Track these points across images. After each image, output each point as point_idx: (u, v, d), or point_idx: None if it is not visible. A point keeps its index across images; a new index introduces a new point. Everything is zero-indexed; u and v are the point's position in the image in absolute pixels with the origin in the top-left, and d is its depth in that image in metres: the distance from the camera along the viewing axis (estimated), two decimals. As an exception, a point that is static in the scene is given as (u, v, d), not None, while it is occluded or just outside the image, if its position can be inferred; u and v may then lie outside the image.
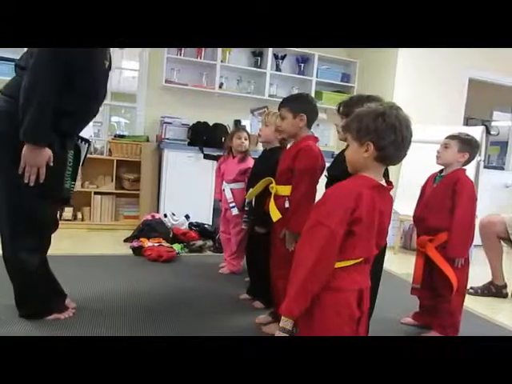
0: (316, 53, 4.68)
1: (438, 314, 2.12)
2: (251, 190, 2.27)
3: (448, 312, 2.08)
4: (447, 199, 2.08)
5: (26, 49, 1.76)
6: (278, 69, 4.72)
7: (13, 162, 1.69)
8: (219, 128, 4.32)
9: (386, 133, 1.25)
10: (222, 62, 4.43)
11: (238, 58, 4.64)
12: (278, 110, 2.07)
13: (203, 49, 4.44)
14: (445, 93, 4.50)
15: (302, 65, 4.83)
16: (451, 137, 2.17)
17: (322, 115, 4.98)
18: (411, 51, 4.30)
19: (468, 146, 2.14)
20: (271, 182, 2.03)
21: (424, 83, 4.41)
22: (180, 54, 4.36)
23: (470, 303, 2.76)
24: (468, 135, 2.17)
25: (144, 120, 4.53)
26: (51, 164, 1.73)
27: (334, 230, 1.20)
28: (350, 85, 4.93)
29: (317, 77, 4.77)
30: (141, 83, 4.50)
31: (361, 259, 1.29)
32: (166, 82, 4.32)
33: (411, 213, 2.32)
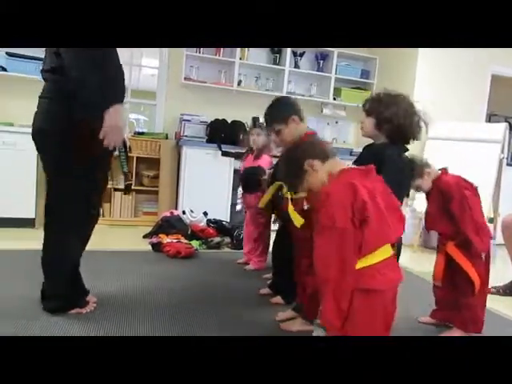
0: (335, 49, 4.64)
1: (458, 309, 2.10)
2: (264, 196, 2.28)
3: (467, 307, 2.05)
4: (442, 204, 2.04)
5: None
6: (296, 66, 4.70)
7: (61, 155, 1.78)
8: (237, 125, 4.33)
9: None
10: (240, 59, 4.44)
11: (256, 55, 4.64)
12: (267, 126, 2.16)
13: (222, 46, 4.45)
14: (467, 89, 4.42)
15: (321, 61, 4.80)
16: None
17: (340, 112, 4.95)
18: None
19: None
20: (282, 186, 2.02)
21: (445, 79, 4.34)
22: (199, 52, 4.37)
23: (493, 303, 2.70)
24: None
25: (163, 117, 4.57)
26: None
27: (343, 227, 1.20)
28: (369, 81, 4.88)
29: (336, 73, 4.73)
30: (160, 81, 4.53)
31: (388, 250, 1.29)
32: (185, 79, 4.34)
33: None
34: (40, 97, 1.85)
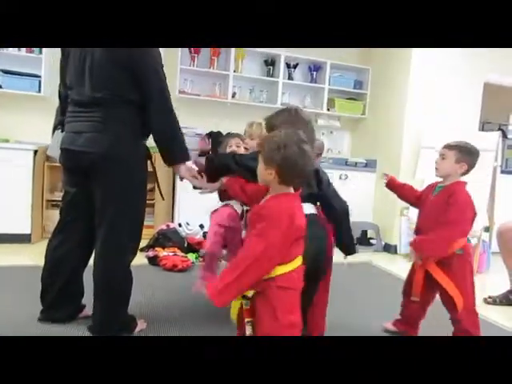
0: (328, 60, 4.68)
1: (454, 328, 2.07)
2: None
3: (464, 331, 2.01)
4: (442, 213, 1.99)
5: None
6: (290, 77, 4.74)
7: (129, 182, 1.99)
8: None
9: (286, 164, 1.37)
10: (234, 71, 4.46)
11: (250, 67, 4.67)
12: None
13: (216, 59, 4.48)
14: (460, 98, 4.44)
15: (315, 73, 4.84)
16: (448, 147, 2.08)
17: (335, 123, 4.98)
18: (425, 56, 4.27)
19: (467, 155, 2.03)
20: None
21: (438, 88, 4.36)
22: (193, 65, 4.40)
23: (489, 313, 2.70)
24: (467, 143, 2.08)
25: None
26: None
27: (272, 244, 1.33)
28: (362, 92, 4.92)
29: (329, 84, 4.76)
30: (155, 94, 4.54)
31: (300, 259, 1.46)
32: (180, 92, 4.36)
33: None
34: (92, 120, 1.87)
